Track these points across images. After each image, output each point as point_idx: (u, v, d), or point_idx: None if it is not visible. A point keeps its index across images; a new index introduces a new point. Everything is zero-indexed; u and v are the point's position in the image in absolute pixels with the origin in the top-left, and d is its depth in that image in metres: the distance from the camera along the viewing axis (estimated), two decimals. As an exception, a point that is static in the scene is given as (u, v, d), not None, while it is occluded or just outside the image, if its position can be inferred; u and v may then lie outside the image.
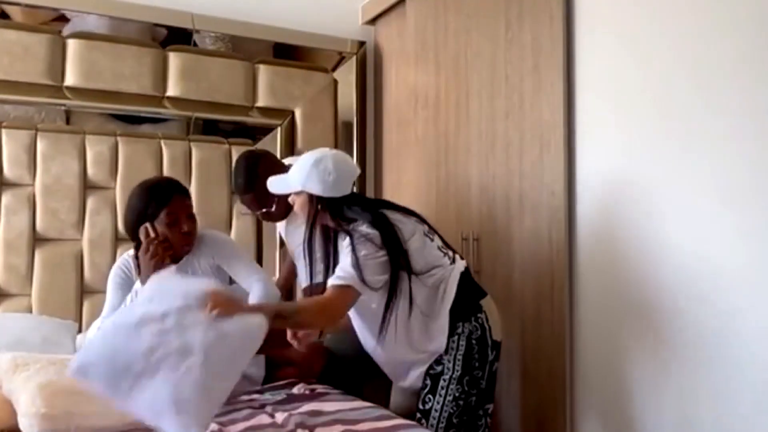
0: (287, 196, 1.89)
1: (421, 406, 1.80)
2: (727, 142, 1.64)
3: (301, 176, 1.79)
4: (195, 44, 2.79)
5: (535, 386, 2.15)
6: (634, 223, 1.87)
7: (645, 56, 1.85)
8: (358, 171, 1.89)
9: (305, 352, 1.98)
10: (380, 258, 1.71)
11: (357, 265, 1.68)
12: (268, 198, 2.07)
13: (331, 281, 1.69)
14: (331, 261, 1.81)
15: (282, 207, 2.12)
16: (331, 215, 1.79)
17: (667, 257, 1.77)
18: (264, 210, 2.20)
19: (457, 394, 1.77)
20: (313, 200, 1.80)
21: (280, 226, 2.41)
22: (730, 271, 1.63)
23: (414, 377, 1.85)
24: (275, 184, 1.89)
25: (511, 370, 2.23)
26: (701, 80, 1.70)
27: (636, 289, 1.86)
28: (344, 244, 1.76)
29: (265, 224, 2.83)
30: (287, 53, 2.98)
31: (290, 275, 2.58)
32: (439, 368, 1.78)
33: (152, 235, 1.87)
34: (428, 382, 1.80)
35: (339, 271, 1.71)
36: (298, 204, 1.84)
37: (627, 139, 1.90)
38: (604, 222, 1.96)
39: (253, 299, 1.95)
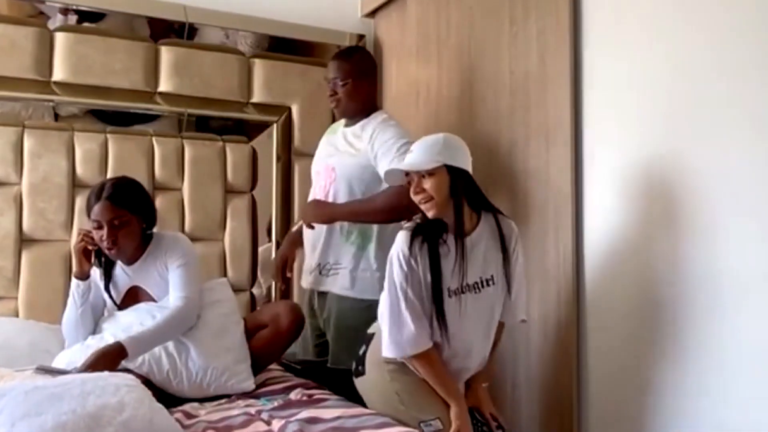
0: (367, 91, 2.19)
1: None
2: (737, 138, 1.58)
3: (437, 150, 1.62)
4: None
5: (541, 393, 2.09)
6: (644, 223, 1.81)
7: (654, 51, 1.79)
8: None
9: (274, 311, 2.10)
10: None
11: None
12: (364, 74, 2.22)
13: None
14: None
15: (355, 99, 2.22)
16: (469, 199, 1.69)
17: (682, 260, 1.71)
18: (349, 80, 2.20)
19: None
20: (455, 179, 1.63)
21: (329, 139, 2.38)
22: (750, 276, 1.56)
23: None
24: (397, 171, 1.71)
25: (517, 379, 2.18)
26: (711, 75, 1.65)
27: (648, 293, 1.80)
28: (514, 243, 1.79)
29: (261, 225, 2.79)
30: (284, 47, 2.90)
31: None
32: None
33: (82, 233, 2.05)
34: None
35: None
36: (432, 186, 1.62)
37: (636, 136, 1.84)
38: (613, 221, 1.91)
39: (152, 319, 1.96)
